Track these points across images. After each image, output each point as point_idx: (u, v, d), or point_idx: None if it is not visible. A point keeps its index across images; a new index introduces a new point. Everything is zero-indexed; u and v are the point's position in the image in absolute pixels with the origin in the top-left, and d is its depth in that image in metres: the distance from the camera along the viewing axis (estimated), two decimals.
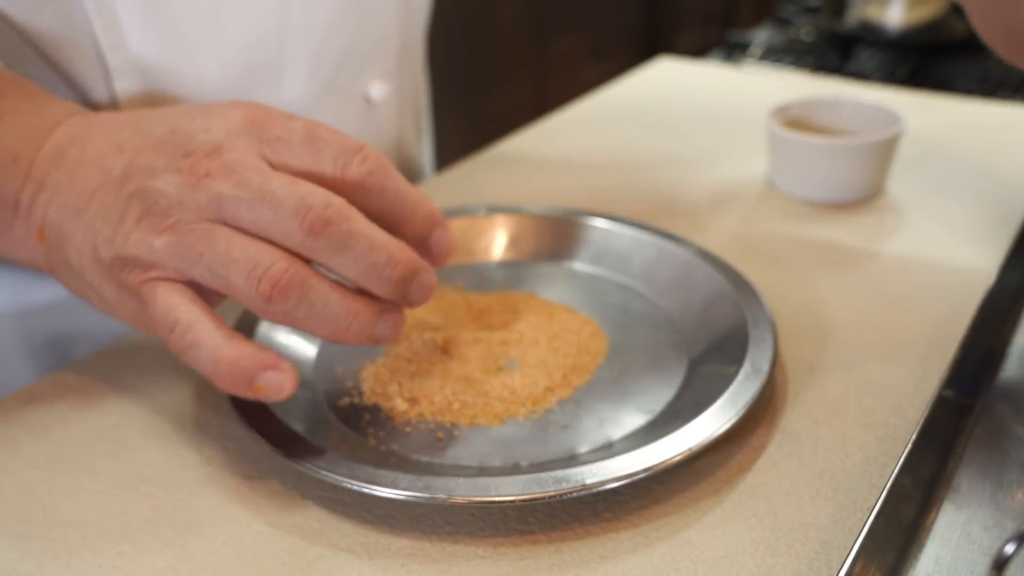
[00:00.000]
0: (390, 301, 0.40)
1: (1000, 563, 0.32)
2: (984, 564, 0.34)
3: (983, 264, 0.56)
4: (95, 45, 0.51)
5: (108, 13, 0.50)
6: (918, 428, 0.40)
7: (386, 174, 0.40)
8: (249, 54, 0.57)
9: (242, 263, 0.37)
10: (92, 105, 0.53)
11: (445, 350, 0.49)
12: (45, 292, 0.58)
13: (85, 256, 0.40)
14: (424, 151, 0.80)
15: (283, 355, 0.46)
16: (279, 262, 0.37)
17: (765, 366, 0.43)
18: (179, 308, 0.38)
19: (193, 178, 0.38)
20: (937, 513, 0.37)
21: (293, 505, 0.39)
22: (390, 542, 0.37)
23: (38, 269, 0.44)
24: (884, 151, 0.63)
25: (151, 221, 0.38)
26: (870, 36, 1.13)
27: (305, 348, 0.49)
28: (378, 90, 0.65)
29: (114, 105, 0.53)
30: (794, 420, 0.43)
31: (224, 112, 0.40)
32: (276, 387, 0.38)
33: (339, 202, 0.37)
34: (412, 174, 0.76)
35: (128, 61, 0.52)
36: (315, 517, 0.39)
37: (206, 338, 0.37)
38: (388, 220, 0.40)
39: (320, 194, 0.37)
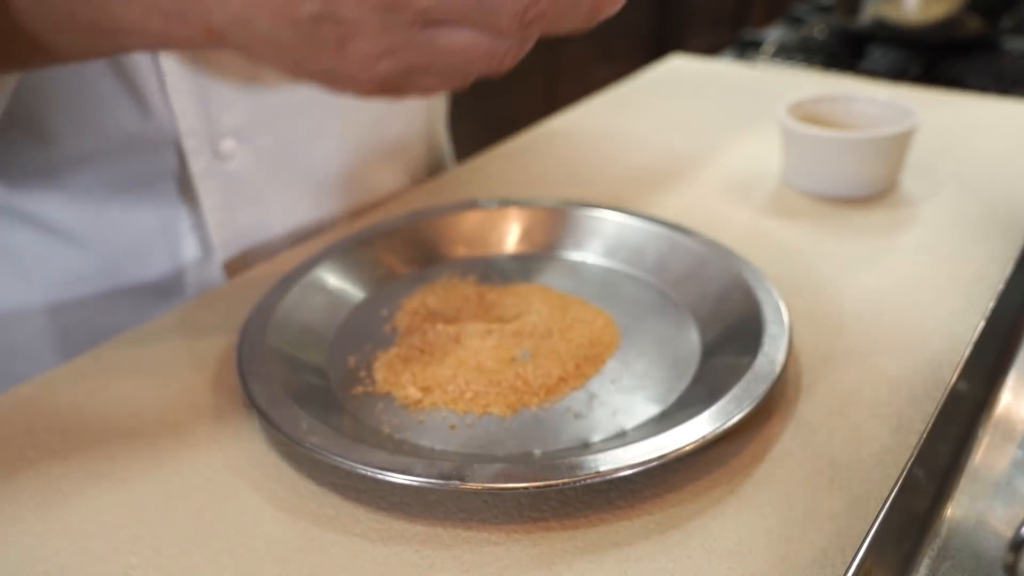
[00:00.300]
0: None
1: (1017, 544, 0.32)
2: (999, 551, 0.34)
3: (998, 258, 0.56)
4: None
5: None
6: (932, 419, 0.39)
7: None
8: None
9: (480, 59, 0.37)
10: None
11: (458, 341, 0.49)
12: (79, 288, 0.59)
13: (286, 62, 0.38)
14: (446, 137, 0.81)
15: (297, 344, 0.47)
16: (512, 44, 0.37)
17: (779, 357, 0.43)
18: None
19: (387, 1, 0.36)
20: (952, 502, 0.37)
21: (307, 492, 0.39)
22: (404, 528, 0.37)
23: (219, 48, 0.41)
24: (897, 145, 0.63)
25: (359, 48, 0.37)
26: (884, 34, 1.12)
27: (318, 339, 0.49)
28: None
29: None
30: (808, 411, 0.43)
31: None
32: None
33: None
34: (439, 164, 0.77)
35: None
36: (329, 504, 0.39)
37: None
38: None
39: None
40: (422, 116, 0.72)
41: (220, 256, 0.60)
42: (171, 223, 0.59)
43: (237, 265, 0.62)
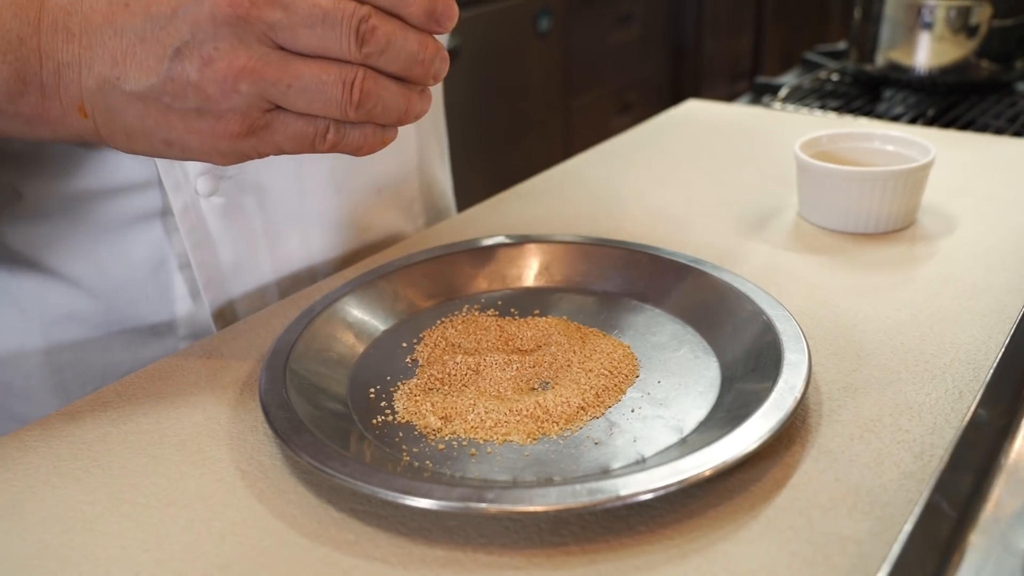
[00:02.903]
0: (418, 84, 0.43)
1: None
2: (1022, 573, 0.33)
3: (1016, 289, 0.56)
4: None
5: None
6: (953, 445, 0.39)
7: None
8: None
9: (333, 83, 0.40)
10: None
11: (478, 371, 0.49)
12: (75, 328, 0.60)
13: (151, 117, 0.41)
14: (446, 177, 0.81)
15: (318, 374, 0.47)
16: (358, 70, 0.41)
17: (799, 384, 0.43)
18: (305, 128, 0.42)
19: (239, 12, 0.38)
20: (975, 526, 0.37)
21: (328, 517, 0.40)
22: (424, 553, 0.37)
23: (87, 142, 0.44)
24: (914, 181, 0.64)
25: (222, 67, 0.39)
26: (898, 78, 1.14)
27: (339, 370, 0.50)
28: None
29: None
30: (829, 438, 0.43)
31: None
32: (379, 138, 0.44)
33: (372, 10, 0.40)
34: (435, 194, 0.78)
35: None
36: (350, 529, 0.39)
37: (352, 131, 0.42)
38: (395, 10, 0.41)
39: (361, 8, 0.40)
40: (413, 155, 0.72)
41: (205, 297, 0.60)
42: (161, 264, 0.59)
43: (224, 309, 0.62)
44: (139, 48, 0.40)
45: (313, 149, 0.43)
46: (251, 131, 0.41)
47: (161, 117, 0.41)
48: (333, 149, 0.43)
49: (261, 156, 0.43)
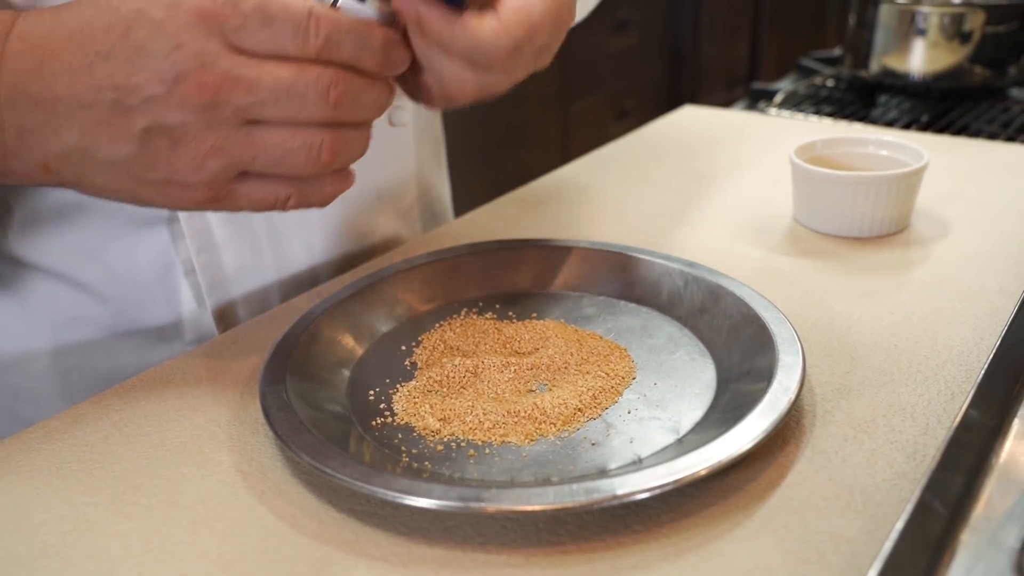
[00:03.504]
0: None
1: None
2: (1013, 572, 0.34)
3: (1007, 292, 0.56)
4: None
5: None
6: (945, 445, 0.40)
7: (340, 34, 0.41)
8: None
9: (299, 150, 0.41)
10: None
11: (476, 374, 0.50)
12: (81, 331, 0.60)
13: (121, 181, 0.42)
14: (444, 183, 0.82)
15: (317, 378, 0.48)
16: (325, 135, 0.42)
17: (793, 385, 0.44)
18: (269, 194, 0.44)
19: (206, 98, 0.39)
20: (966, 525, 0.37)
21: (328, 517, 0.40)
22: (424, 552, 0.38)
23: (52, 186, 0.45)
24: (908, 185, 0.64)
25: (192, 149, 0.40)
26: (892, 83, 1.14)
27: (339, 373, 0.50)
28: (398, 115, 0.69)
29: None
30: (823, 438, 0.44)
31: (173, 17, 0.39)
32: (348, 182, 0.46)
33: (335, 71, 0.41)
34: (433, 200, 0.79)
35: None
36: (349, 528, 0.39)
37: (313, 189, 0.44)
38: (353, 62, 0.42)
39: (327, 74, 0.40)
40: (412, 164, 0.74)
41: (208, 300, 0.61)
42: (167, 268, 0.60)
43: (226, 311, 0.63)
44: (109, 122, 0.40)
45: (278, 209, 0.45)
46: (216, 198, 0.43)
47: (131, 183, 0.42)
48: (298, 207, 0.45)
49: (235, 210, 0.45)
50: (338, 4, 0.43)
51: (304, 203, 0.45)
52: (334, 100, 0.41)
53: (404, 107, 0.70)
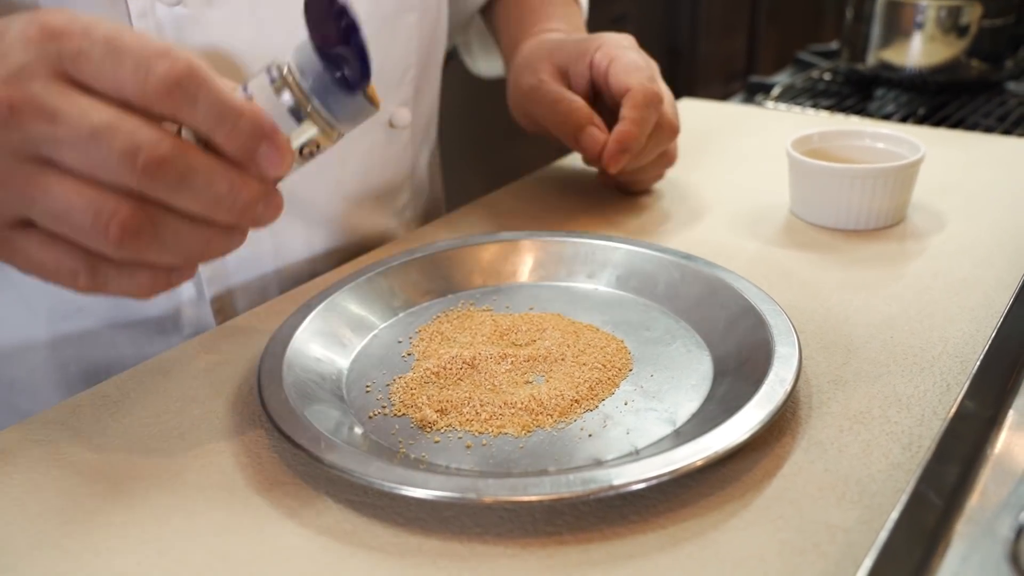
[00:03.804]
0: (231, 227, 0.38)
1: (1019, 529, 0.32)
2: (1008, 562, 0.34)
3: (1003, 284, 0.57)
4: None
5: None
6: (940, 436, 0.40)
7: (198, 84, 0.35)
8: None
9: (84, 209, 0.34)
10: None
11: (473, 366, 0.50)
12: (78, 322, 0.60)
13: None
14: (437, 181, 0.83)
15: (315, 370, 0.48)
16: (123, 206, 0.34)
17: (789, 377, 0.44)
18: (54, 257, 0.37)
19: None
20: (961, 515, 0.37)
21: (325, 508, 0.40)
22: (421, 543, 0.38)
23: None
24: (904, 178, 0.64)
25: None
26: (889, 77, 1.14)
27: (336, 364, 0.50)
28: (399, 116, 0.69)
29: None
30: (819, 429, 0.44)
31: (23, 27, 0.35)
32: (159, 285, 0.38)
33: (169, 137, 0.35)
34: (426, 199, 0.80)
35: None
36: (347, 519, 0.40)
37: (68, 274, 0.37)
38: (208, 134, 0.36)
39: (147, 131, 0.34)
40: (407, 164, 0.74)
41: (207, 293, 0.61)
42: None
43: (225, 303, 0.63)
44: None
45: (69, 285, 0.37)
46: None
47: None
48: (93, 291, 0.38)
49: (19, 268, 0.38)
50: (247, 88, 0.38)
51: (97, 287, 0.37)
52: (143, 164, 0.34)
53: (405, 107, 0.70)
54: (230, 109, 0.35)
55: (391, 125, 0.69)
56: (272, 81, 0.39)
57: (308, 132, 0.39)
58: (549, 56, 0.70)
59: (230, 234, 0.38)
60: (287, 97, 0.38)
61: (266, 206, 0.37)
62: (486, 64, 0.92)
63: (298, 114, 0.39)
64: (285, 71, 0.39)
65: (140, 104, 0.35)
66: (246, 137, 0.36)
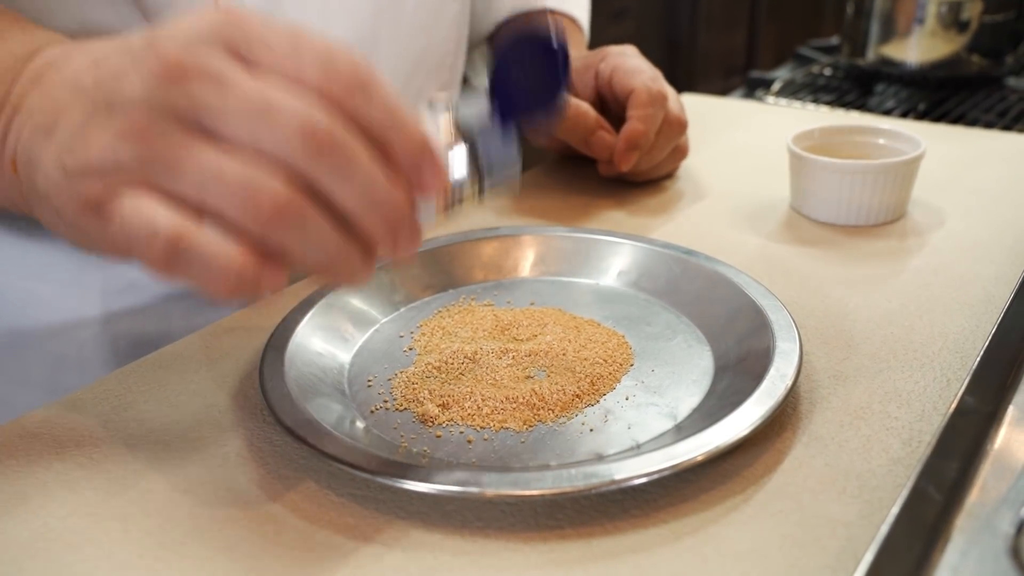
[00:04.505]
0: (371, 239, 0.36)
1: (1020, 524, 0.32)
2: (1008, 556, 0.34)
3: (1004, 280, 0.57)
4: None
5: None
6: (940, 431, 0.40)
7: (377, 85, 0.34)
8: None
9: (236, 182, 0.32)
10: None
11: (475, 360, 0.50)
12: (131, 297, 0.61)
13: (51, 177, 0.35)
14: None
15: (317, 364, 0.48)
16: (278, 184, 0.32)
17: (790, 372, 0.44)
18: (156, 214, 0.32)
19: (165, 74, 0.32)
20: (961, 510, 0.37)
21: (327, 502, 0.40)
22: (423, 537, 0.38)
23: (17, 209, 0.40)
24: (905, 173, 0.64)
25: (115, 125, 0.33)
26: (890, 72, 1.14)
27: (338, 359, 0.50)
28: (439, 101, 0.71)
29: None
30: (819, 425, 0.44)
31: (202, 12, 0.34)
32: (276, 281, 0.34)
33: (340, 117, 0.33)
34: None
35: None
36: (349, 513, 0.40)
37: (206, 244, 0.32)
38: (376, 141, 0.35)
39: (324, 113, 0.33)
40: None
41: None
42: None
43: None
44: (75, 102, 0.35)
45: (146, 264, 0.34)
46: (94, 202, 0.34)
47: (57, 177, 0.35)
48: (170, 273, 0.33)
49: (99, 239, 0.36)
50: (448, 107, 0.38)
51: (185, 271, 0.33)
52: (317, 141, 0.32)
53: (444, 91, 0.72)
54: (405, 116, 0.35)
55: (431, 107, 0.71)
56: (432, 110, 0.38)
57: (460, 179, 0.39)
58: None
59: (363, 257, 0.35)
60: (448, 132, 0.38)
61: (411, 230, 0.36)
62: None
63: (455, 152, 0.39)
64: (451, 110, 0.39)
65: (319, 94, 0.33)
66: (415, 146, 0.35)
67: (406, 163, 0.35)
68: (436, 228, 0.68)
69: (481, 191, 0.40)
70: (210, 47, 0.33)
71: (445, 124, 0.38)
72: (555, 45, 0.38)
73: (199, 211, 0.33)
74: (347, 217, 0.34)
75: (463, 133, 0.38)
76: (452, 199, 0.39)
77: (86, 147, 0.34)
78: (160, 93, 0.32)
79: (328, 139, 0.32)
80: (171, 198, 0.33)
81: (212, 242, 0.32)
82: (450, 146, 0.38)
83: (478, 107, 0.39)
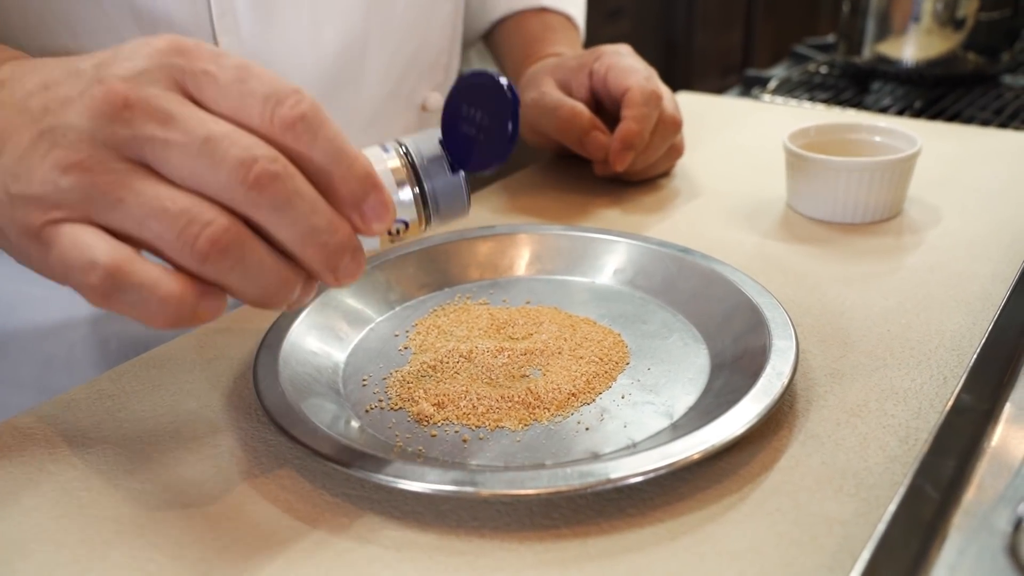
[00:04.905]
0: (311, 270, 0.36)
1: (1018, 522, 0.32)
2: (1005, 554, 0.34)
3: (1000, 277, 0.57)
4: (211, 27, 0.56)
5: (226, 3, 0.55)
6: (937, 429, 0.40)
7: (321, 123, 0.35)
8: (337, 62, 0.63)
9: (175, 216, 0.33)
10: None
11: (470, 359, 0.50)
12: None
13: None
14: None
15: (311, 363, 0.47)
16: (219, 218, 0.33)
17: (786, 370, 0.44)
18: (95, 246, 0.33)
19: (109, 109, 0.33)
20: (958, 508, 0.37)
21: (322, 502, 0.40)
22: (417, 536, 0.38)
23: None
24: (901, 171, 0.64)
25: (58, 155, 0.33)
26: (886, 70, 1.14)
27: (332, 358, 0.50)
28: (432, 100, 0.71)
29: None
30: (816, 423, 0.44)
31: (150, 40, 0.35)
32: (214, 310, 0.35)
33: (283, 158, 0.34)
34: None
35: (238, 45, 0.57)
36: (343, 512, 0.39)
37: (143, 276, 0.33)
38: (318, 176, 0.35)
39: (264, 147, 0.33)
40: None
41: None
42: None
43: None
44: (22, 126, 0.35)
45: (88, 286, 0.34)
46: (35, 231, 0.34)
47: (1, 204, 0.35)
48: (106, 303, 0.34)
49: (40, 263, 0.36)
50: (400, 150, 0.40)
51: (123, 302, 0.34)
52: (255, 176, 0.33)
53: (437, 91, 0.72)
54: (348, 152, 0.35)
55: (423, 108, 0.71)
56: (385, 150, 0.40)
57: (407, 211, 0.40)
58: (551, 72, 0.73)
59: (305, 283, 0.37)
60: (397, 169, 0.40)
61: (352, 259, 0.36)
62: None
63: (403, 190, 0.40)
64: (402, 148, 0.40)
65: (262, 131, 0.34)
66: (357, 182, 0.35)
67: (349, 199, 0.36)
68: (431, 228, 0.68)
69: (427, 222, 0.41)
70: (156, 81, 0.34)
71: (394, 163, 0.40)
72: (508, 94, 0.39)
73: (138, 243, 0.34)
74: (286, 250, 0.35)
75: (413, 172, 0.40)
76: (396, 230, 0.41)
77: (29, 175, 0.34)
78: (105, 127, 0.33)
79: (267, 175, 0.33)
80: (110, 230, 0.34)
81: (149, 274, 0.33)
82: (400, 184, 0.40)
83: (429, 147, 0.40)
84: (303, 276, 0.36)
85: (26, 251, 0.36)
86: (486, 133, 0.40)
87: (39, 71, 0.37)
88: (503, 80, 0.40)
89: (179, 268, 0.34)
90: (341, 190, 0.35)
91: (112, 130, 0.33)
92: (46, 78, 0.36)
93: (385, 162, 0.40)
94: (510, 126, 0.39)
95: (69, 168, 0.33)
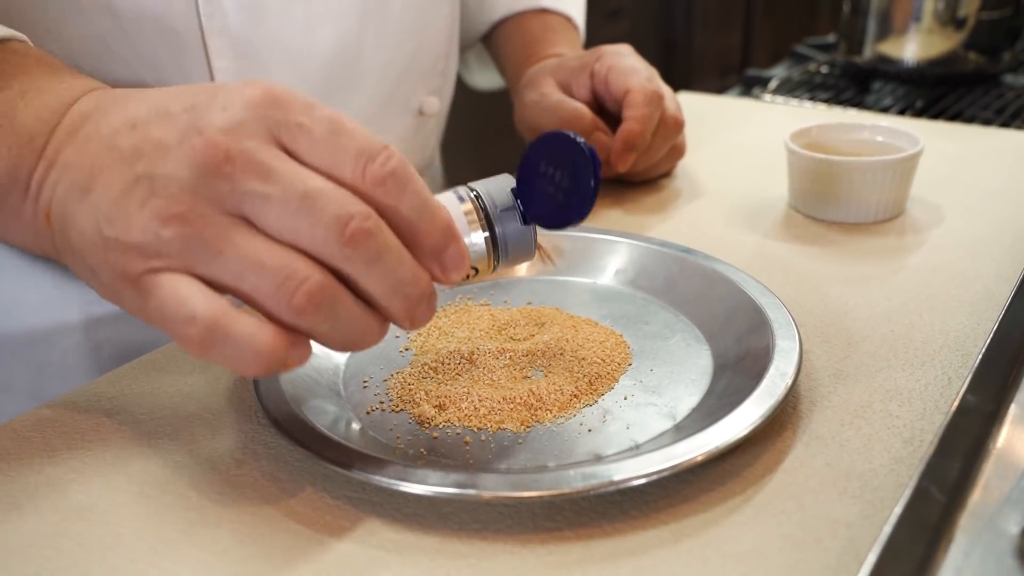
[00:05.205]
0: (391, 318, 0.38)
1: None
2: (1011, 556, 0.34)
3: (1004, 277, 0.56)
4: (199, 29, 0.55)
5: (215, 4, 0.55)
6: (942, 430, 0.40)
7: (408, 178, 0.36)
8: (332, 65, 0.63)
9: (273, 271, 0.34)
10: None
11: (471, 360, 0.49)
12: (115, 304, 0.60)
13: (86, 237, 0.36)
14: (438, 178, 0.85)
15: (312, 365, 0.47)
16: (315, 274, 0.34)
17: (790, 371, 0.43)
18: (193, 299, 0.34)
19: (211, 162, 0.34)
20: (964, 509, 0.37)
21: (323, 505, 0.40)
22: (419, 539, 0.38)
23: (48, 256, 0.41)
24: (903, 170, 0.64)
25: (158, 205, 0.34)
26: (887, 70, 1.14)
27: (333, 360, 0.50)
28: (428, 104, 0.71)
29: None
30: (820, 424, 0.43)
31: (243, 88, 0.36)
32: (302, 358, 0.36)
33: (375, 214, 0.35)
34: (437, 187, 0.81)
35: (228, 47, 0.56)
36: (344, 516, 0.39)
37: (240, 330, 0.34)
38: (403, 228, 0.37)
39: (359, 204, 0.35)
40: (430, 153, 0.77)
41: None
42: None
43: None
44: (113, 166, 0.36)
45: (184, 343, 0.35)
46: (135, 278, 0.35)
47: (93, 239, 0.36)
48: (204, 353, 0.35)
49: (146, 312, 0.36)
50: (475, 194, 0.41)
51: (219, 353, 0.35)
52: (351, 233, 0.34)
53: (434, 95, 0.72)
54: (432, 204, 0.37)
55: (421, 113, 0.71)
56: (460, 199, 0.41)
57: (479, 257, 0.41)
58: (552, 73, 0.73)
59: (381, 329, 0.38)
60: (472, 218, 0.41)
61: (427, 305, 0.38)
62: (483, 77, 0.96)
63: (475, 235, 0.41)
64: (473, 192, 0.41)
65: (354, 185, 0.35)
66: (440, 234, 0.37)
67: (431, 250, 0.37)
68: None
69: (496, 267, 0.42)
70: (254, 134, 0.35)
71: (468, 209, 0.41)
72: (590, 158, 0.39)
73: (233, 292, 0.35)
74: (372, 300, 0.36)
75: (486, 219, 0.41)
76: (466, 275, 0.41)
77: (127, 222, 0.35)
78: (206, 180, 0.34)
79: (362, 232, 0.34)
80: (206, 279, 0.35)
81: (246, 328, 0.34)
82: (472, 230, 0.41)
83: (501, 196, 0.41)
84: (384, 323, 0.38)
85: (120, 293, 0.37)
86: (566, 194, 0.40)
87: (124, 106, 0.38)
88: (583, 142, 0.40)
89: (271, 318, 0.35)
90: (424, 242, 0.37)
91: (213, 183, 0.34)
92: (133, 116, 0.37)
93: (460, 209, 0.41)
94: (593, 188, 0.40)
95: (170, 220, 0.34)
